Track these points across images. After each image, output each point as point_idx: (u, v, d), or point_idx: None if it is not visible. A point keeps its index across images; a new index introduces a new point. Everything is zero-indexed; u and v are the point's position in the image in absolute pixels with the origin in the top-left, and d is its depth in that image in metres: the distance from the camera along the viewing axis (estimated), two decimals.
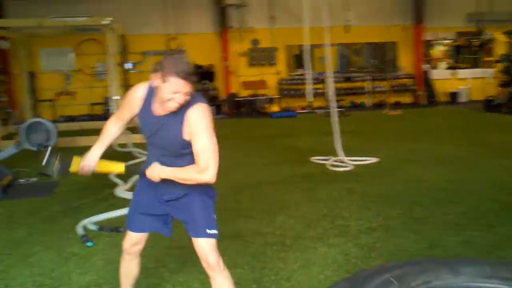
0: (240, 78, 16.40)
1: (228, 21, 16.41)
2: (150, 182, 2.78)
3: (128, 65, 15.41)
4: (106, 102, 14.91)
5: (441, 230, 4.80)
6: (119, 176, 6.81)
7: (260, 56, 16.65)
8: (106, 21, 10.58)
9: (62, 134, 11.11)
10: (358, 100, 17.25)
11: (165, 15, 15.87)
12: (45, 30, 13.03)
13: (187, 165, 2.72)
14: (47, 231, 5.09)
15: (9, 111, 7.92)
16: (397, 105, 16.63)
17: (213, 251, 2.84)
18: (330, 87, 8.41)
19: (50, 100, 15.02)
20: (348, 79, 17.17)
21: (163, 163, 2.73)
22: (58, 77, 15.46)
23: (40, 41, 14.86)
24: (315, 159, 8.11)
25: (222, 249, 4.50)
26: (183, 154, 2.76)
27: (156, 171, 2.69)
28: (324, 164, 7.75)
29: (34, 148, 7.52)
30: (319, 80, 16.16)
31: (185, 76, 2.52)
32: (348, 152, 8.17)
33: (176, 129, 2.68)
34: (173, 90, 2.53)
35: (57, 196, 6.48)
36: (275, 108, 15.58)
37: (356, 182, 6.70)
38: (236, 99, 16.03)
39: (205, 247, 2.82)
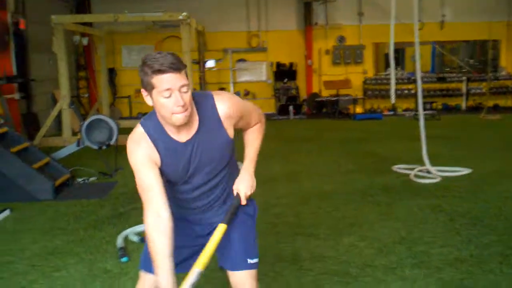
0: (323, 77, 15.55)
1: (313, 17, 15.61)
2: (181, 220, 2.31)
3: (210, 63, 15.09)
4: None
5: None
6: None
7: (345, 54, 15.70)
8: (181, 16, 10.18)
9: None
10: (452, 102, 15.82)
11: (247, 11, 15.37)
12: (124, 26, 12.92)
13: (231, 172, 2.30)
14: (86, 240, 4.62)
15: (73, 107, 7.64)
16: (496, 108, 15.07)
17: (255, 284, 2.30)
18: (419, 88, 7.43)
19: (127, 97, 14.96)
20: (441, 80, 15.79)
21: (204, 197, 2.28)
22: (138, 74, 15.35)
23: (122, 38, 14.83)
24: (398, 168, 7.18)
25: (272, 276, 3.82)
26: (230, 160, 2.28)
27: (250, 182, 2.32)
28: (407, 175, 6.81)
29: (95, 147, 7.17)
30: (411, 80, 15.09)
31: (169, 66, 1.90)
32: (437, 160, 7.17)
33: (219, 135, 2.15)
34: (164, 89, 1.91)
35: (111, 199, 6.05)
36: (359, 109, 14.59)
37: (444, 197, 5.74)
38: (318, 99, 15.19)
39: (246, 280, 2.28)
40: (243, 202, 2.25)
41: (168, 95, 1.91)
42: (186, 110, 1.97)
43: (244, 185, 2.27)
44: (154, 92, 1.93)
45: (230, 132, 2.18)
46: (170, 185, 2.22)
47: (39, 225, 5.08)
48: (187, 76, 1.99)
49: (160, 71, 1.89)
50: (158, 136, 2.07)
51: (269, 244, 4.38)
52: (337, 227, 4.83)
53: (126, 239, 4.56)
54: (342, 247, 4.32)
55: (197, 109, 2.09)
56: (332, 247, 4.32)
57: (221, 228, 2.19)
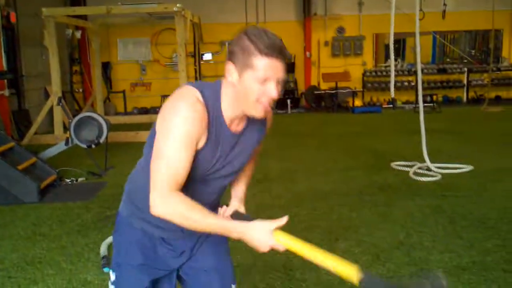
0: (322, 69, 15.28)
1: (312, 8, 15.32)
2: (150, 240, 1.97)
3: (207, 56, 14.85)
4: None
5: None
6: None
7: (345, 46, 15.42)
8: (175, 8, 9.90)
9: (131, 127, 10.64)
10: (453, 94, 15.57)
11: (245, 2, 15.07)
12: (119, 18, 12.66)
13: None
14: (68, 247, 4.40)
15: (61, 104, 7.35)
16: (498, 100, 14.83)
17: None
18: (419, 81, 7.18)
19: (122, 92, 14.71)
20: (442, 71, 15.53)
21: (209, 196, 1.89)
22: (133, 68, 15.12)
23: (117, 31, 14.57)
24: (397, 165, 6.95)
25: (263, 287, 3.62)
26: None
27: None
28: (406, 172, 6.58)
29: (84, 145, 6.93)
30: (411, 71, 14.84)
31: (280, 51, 1.62)
32: (437, 156, 6.96)
33: (254, 139, 1.89)
34: (263, 76, 1.62)
35: (98, 201, 5.81)
36: (358, 102, 14.33)
37: (444, 197, 5.51)
38: (316, 92, 14.93)
39: None
40: None
41: (264, 82, 1.64)
42: (270, 106, 1.71)
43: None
44: (249, 73, 1.63)
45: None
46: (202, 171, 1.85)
47: (21, 231, 4.84)
48: None
49: (267, 54, 1.60)
50: (214, 114, 1.72)
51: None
52: (332, 230, 4.61)
53: (110, 246, 4.33)
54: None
55: None
56: None
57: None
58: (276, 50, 1.61)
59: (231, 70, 1.67)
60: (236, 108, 1.73)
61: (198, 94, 1.67)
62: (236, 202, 2.05)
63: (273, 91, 1.65)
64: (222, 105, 1.73)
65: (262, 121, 1.87)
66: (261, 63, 1.61)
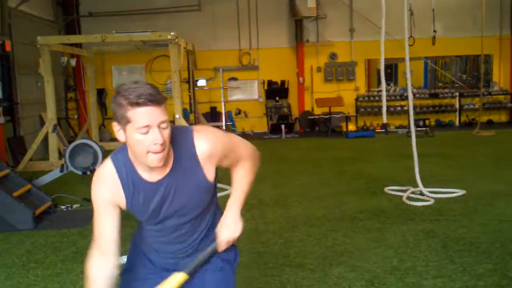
0: (315, 94, 15.43)
1: (304, 34, 15.55)
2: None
3: (201, 82, 14.95)
4: (173, 120, 14.48)
5: None
6: None
7: (337, 71, 15.60)
8: (169, 36, 10.04)
9: None
10: (445, 118, 15.73)
11: (238, 29, 15.28)
12: (113, 46, 12.77)
13: (211, 217, 2.05)
14: (63, 275, 4.40)
15: (55, 132, 7.39)
16: (489, 124, 14.99)
17: None
18: (410, 106, 7.26)
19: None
20: (434, 96, 15.72)
21: (178, 241, 2.05)
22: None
23: (111, 58, 14.72)
24: (390, 189, 7.00)
25: None
26: (209, 205, 2.00)
27: (233, 225, 2.02)
28: (400, 197, 6.63)
29: (79, 172, 6.95)
30: (403, 96, 15.00)
31: (148, 98, 1.67)
32: (430, 180, 7.02)
33: (195, 176, 1.88)
34: (142, 125, 1.68)
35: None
36: (351, 127, 14.42)
37: (437, 222, 5.55)
38: (310, 117, 15.05)
39: None
40: (221, 248, 1.99)
41: (146, 131, 1.69)
42: (163, 149, 1.75)
43: (225, 229, 1.99)
44: (129, 127, 1.70)
45: (209, 174, 1.93)
46: (141, 224, 2.05)
47: (16, 258, 4.84)
48: (166, 110, 1.77)
49: (137, 104, 1.66)
50: (128, 174, 1.87)
51: (254, 276, 4.18)
52: (326, 256, 4.63)
53: None
54: (330, 279, 4.12)
55: (174, 146, 1.85)
56: (320, 279, 4.11)
57: (178, 278, 1.95)
58: (145, 97, 1.67)
59: (116, 129, 1.78)
60: (138, 162, 1.84)
61: (111, 164, 1.91)
62: (231, 201, 2.08)
63: (156, 136, 1.71)
64: (133, 163, 1.88)
65: (192, 158, 1.88)
66: (135, 114, 1.68)
